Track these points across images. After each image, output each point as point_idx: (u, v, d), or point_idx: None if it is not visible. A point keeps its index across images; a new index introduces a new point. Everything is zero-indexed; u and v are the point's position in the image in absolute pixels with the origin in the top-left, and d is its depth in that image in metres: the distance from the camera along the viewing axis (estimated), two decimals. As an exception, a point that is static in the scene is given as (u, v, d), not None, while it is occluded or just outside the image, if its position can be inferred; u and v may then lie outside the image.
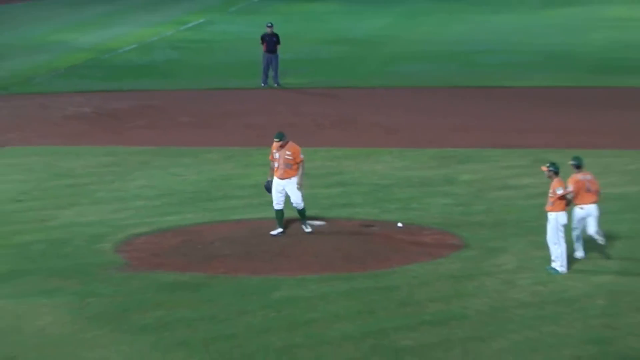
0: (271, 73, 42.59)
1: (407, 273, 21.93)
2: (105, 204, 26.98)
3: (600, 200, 22.18)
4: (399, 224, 25.48)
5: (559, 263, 22.20)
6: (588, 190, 21.80)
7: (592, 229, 21.98)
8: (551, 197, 22.18)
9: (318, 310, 19.42)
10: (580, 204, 21.97)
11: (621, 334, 18.57)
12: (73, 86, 44.25)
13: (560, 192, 22.10)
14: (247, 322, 18.32)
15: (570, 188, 22.05)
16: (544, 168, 22.47)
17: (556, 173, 22.10)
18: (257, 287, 20.55)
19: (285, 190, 23.77)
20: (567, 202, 22.37)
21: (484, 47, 54.77)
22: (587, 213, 21.86)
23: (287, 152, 23.88)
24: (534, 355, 17.43)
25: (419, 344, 17.58)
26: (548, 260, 21.95)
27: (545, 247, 22.04)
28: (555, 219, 22.01)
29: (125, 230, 24.30)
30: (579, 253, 22.57)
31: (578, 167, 22.23)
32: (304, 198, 24.15)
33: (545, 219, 22.22)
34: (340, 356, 16.88)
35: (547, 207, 22.38)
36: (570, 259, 21.98)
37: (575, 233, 22.42)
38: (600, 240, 22.87)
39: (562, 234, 22.16)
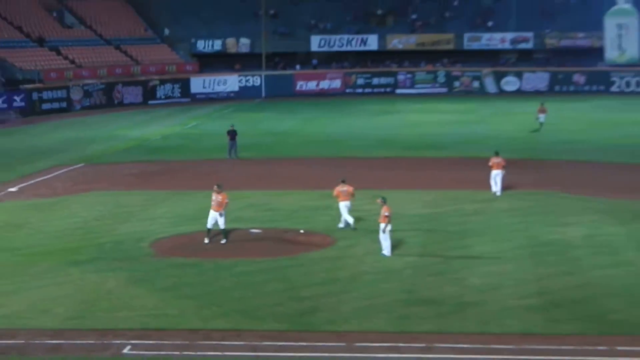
0: (232, 152, 60.08)
1: (306, 257, 35.04)
2: (144, 221, 41.22)
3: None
4: (301, 230, 39.05)
5: (386, 251, 34.86)
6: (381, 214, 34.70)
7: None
8: (384, 215, 34.64)
9: (256, 277, 31.98)
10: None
11: (419, 288, 30.70)
12: (128, 159, 62.34)
13: (386, 213, 34.50)
14: (220, 284, 31.20)
15: (387, 213, 34.50)
16: (378, 200, 35.45)
17: (384, 202, 35.02)
18: (226, 266, 33.62)
19: (217, 218, 36.60)
20: (388, 219, 34.43)
21: (347, 136, 71.74)
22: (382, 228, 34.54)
23: (219, 197, 36.57)
24: (373, 300, 29.28)
25: (315, 294, 29.74)
26: (380, 249, 34.71)
27: (379, 242, 34.82)
28: (383, 227, 34.49)
29: (155, 236, 38.43)
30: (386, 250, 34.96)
31: (384, 201, 35.11)
32: (227, 221, 37.00)
33: (378, 227, 34.76)
34: (265, 299, 29.35)
35: (379, 220, 34.70)
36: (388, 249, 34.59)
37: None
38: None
39: (386, 235, 34.59)
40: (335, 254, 35.55)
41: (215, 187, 37.55)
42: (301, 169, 55.67)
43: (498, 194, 46.26)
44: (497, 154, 47.02)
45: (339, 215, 38.63)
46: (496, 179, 46.44)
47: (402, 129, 75.21)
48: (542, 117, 73.71)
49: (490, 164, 46.47)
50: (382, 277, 32.21)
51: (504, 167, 46.33)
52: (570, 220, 40.17)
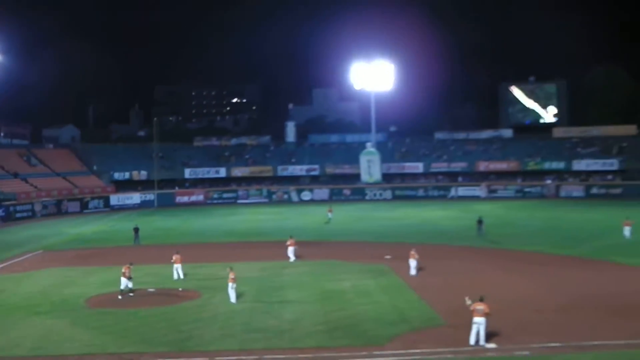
0: (137, 241, 57.77)
1: (184, 305, 34.44)
2: (82, 286, 38.64)
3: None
4: (180, 289, 37.52)
5: (232, 299, 33.67)
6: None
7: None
8: (231, 277, 33.83)
9: (151, 319, 31.11)
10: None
11: (254, 321, 30.06)
12: (71, 247, 58.48)
13: (232, 276, 33.73)
14: (129, 324, 30.26)
15: (233, 276, 33.92)
16: (228, 269, 34.60)
17: (231, 269, 34.43)
18: (133, 312, 32.67)
19: (127, 282, 36.02)
20: (234, 280, 33.97)
21: (208, 229, 69.34)
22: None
23: (125, 270, 36.17)
24: (225, 330, 28.91)
25: (189, 328, 29.27)
26: (229, 298, 33.77)
27: (228, 294, 34.26)
28: (231, 285, 33.74)
29: (88, 295, 36.72)
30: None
31: (231, 268, 37.50)
32: (133, 284, 36.46)
33: (228, 285, 34.01)
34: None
35: (229, 281, 33.90)
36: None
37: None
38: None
39: (233, 290, 33.84)
40: (201, 303, 35.25)
41: (128, 264, 37.74)
42: (182, 249, 54.76)
43: (291, 260, 46.81)
44: (291, 237, 48.37)
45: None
46: (290, 252, 47.16)
47: (241, 224, 74.65)
48: (330, 214, 74.79)
49: (287, 243, 47.49)
50: (230, 316, 32.30)
51: (296, 244, 47.33)
52: (343, 277, 41.01)
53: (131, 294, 36.69)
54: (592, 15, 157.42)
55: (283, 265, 45.63)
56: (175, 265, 41.36)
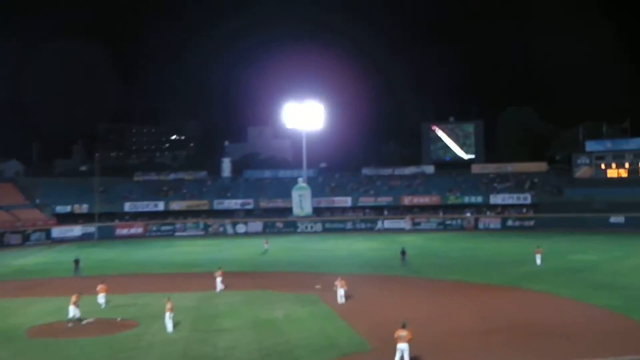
0: (78, 272, 55.94)
1: (123, 334, 33.75)
2: (23, 316, 37.42)
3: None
4: (118, 319, 36.73)
5: (169, 329, 33.15)
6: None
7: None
8: (169, 307, 33.50)
9: (93, 347, 30.82)
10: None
11: (190, 350, 29.91)
12: (14, 277, 57.45)
13: (169, 306, 34.47)
14: (70, 352, 30.08)
15: (170, 305, 34.89)
16: (165, 299, 34.84)
17: (169, 299, 34.78)
18: (73, 341, 32.11)
19: (74, 311, 35.45)
20: (171, 309, 34.72)
21: (146, 261, 68.28)
22: None
23: (74, 299, 35.71)
24: (162, 357, 28.94)
25: (127, 355, 29.46)
26: (166, 328, 33.40)
27: (164, 324, 33.54)
28: (168, 315, 33.51)
29: (29, 324, 35.58)
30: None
31: (169, 298, 36.32)
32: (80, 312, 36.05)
33: (164, 315, 33.95)
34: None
35: (166, 310, 33.77)
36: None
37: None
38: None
39: (170, 319, 33.48)
40: (139, 332, 34.90)
41: (77, 293, 37.39)
42: (121, 280, 53.86)
43: (217, 290, 46.44)
44: (219, 268, 48.39)
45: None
46: (218, 282, 47.03)
47: (178, 256, 73.59)
48: (266, 246, 74.17)
49: (216, 274, 47.41)
50: (167, 344, 32.08)
51: (222, 274, 47.08)
52: (276, 306, 40.95)
53: (83, 323, 36.32)
54: (506, 60, 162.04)
55: (218, 295, 45.33)
56: (100, 295, 40.83)
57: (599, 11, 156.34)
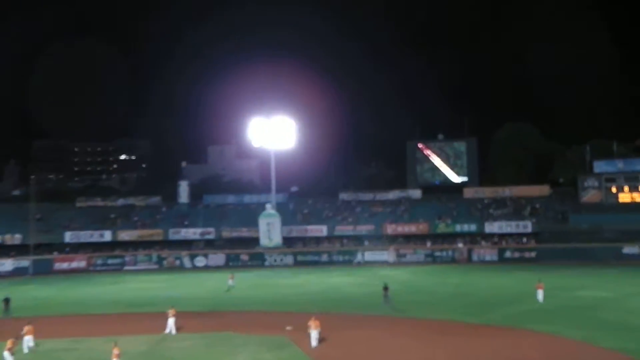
0: (8, 313, 56.08)
1: None
2: None
3: None
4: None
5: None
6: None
7: None
8: (115, 354, 36.59)
9: None
10: None
11: None
12: None
13: (117, 352, 34.84)
14: None
15: (117, 352, 36.45)
16: (113, 344, 36.56)
17: (116, 344, 37.16)
18: None
19: (10, 357, 35.68)
20: (118, 357, 37.55)
21: (89, 299, 67.91)
22: None
23: (10, 345, 36.07)
24: None
25: None
26: None
27: None
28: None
29: None
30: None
31: (116, 343, 37.43)
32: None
33: None
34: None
35: (113, 358, 37.51)
36: None
37: None
38: None
39: None
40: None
41: (13, 338, 38.20)
42: (60, 321, 54.04)
43: (166, 332, 46.74)
44: (172, 307, 48.41)
45: None
46: (170, 323, 47.23)
47: (127, 293, 73.65)
48: (231, 282, 74.49)
49: (168, 314, 47.57)
50: None
51: (175, 314, 47.24)
52: (239, 350, 41.16)
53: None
54: (503, 70, 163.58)
55: (172, 338, 45.53)
56: (26, 338, 40.61)
57: (607, 20, 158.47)
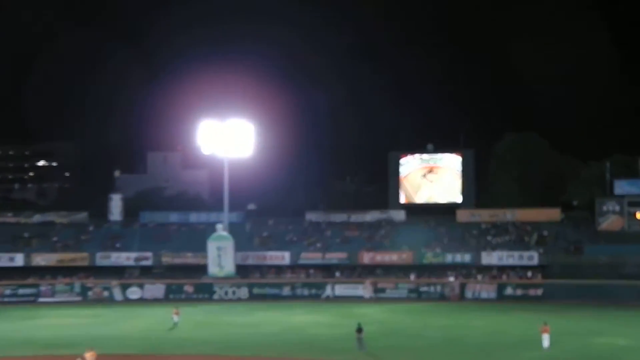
0: None
1: None
2: None
3: None
4: None
5: None
6: None
7: None
8: None
9: None
10: None
11: None
12: None
13: None
14: None
15: None
16: None
17: None
18: None
19: None
20: None
21: (7, 337, 67.06)
22: None
23: None
24: None
25: None
26: None
27: None
28: None
29: None
30: None
31: None
32: None
33: None
34: None
35: None
36: None
37: None
38: None
39: None
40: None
41: None
42: None
43: None
44: (90, 349, 47.42)
45: None
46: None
47: (42, 331, 72.44)
48: (176, 318, 74.51)
49: (85, 356, 46.78)
50: None
51: (97, 358, 46.81)
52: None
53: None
54: (505, 70, 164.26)
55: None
56: None
57: (629, 18, 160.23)
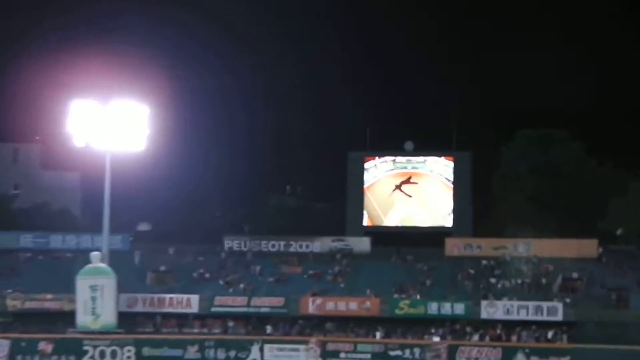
0: None
1: None
2: None
3: None
4: None
5: None
6: None
7: None
8: None
9: None
10: None
11: None
12: None
13: None
14: None
15: None
16: None
17: None
18: None
19: None
20: None
21: None
22: None
23: None
24: None
25: None
26: None
27: None
28: None
29: None
30: None
31: None
32: None
33: None
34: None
35: None
36: None
37: None
38: None
39: None
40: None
41: None
42: None
43: None
44: None
45: None
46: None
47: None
48: None
49: None
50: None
51: None
52: None
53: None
54: (515, 43, 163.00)
55: None
56: None
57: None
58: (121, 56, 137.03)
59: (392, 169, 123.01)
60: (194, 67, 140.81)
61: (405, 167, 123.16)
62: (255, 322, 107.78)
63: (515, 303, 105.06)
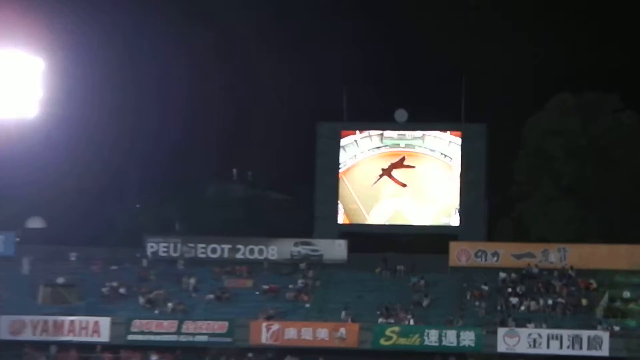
0: None
1: None
2: None
3: None
4: None
5: None
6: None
7: None
8: None
9: None
10: None
11: None
12: None
13: None
14: None
15: None
16: None
17: None
18: None
19: None
20: None
21: None
22: None
23: None
24: None
25: None
26: None
27: None
28: None
29: None
30: None
31: None
32: None
33: None
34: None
35: None
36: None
37: None
38: None
39: None
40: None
41: None
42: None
43: None
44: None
45: None
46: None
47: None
48: None
49: None
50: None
51: None
52: None
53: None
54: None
55: None
56: None
57: None
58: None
59: (379, 147, 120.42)
60: (107, 6, 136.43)
61: (397, 145, 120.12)
62: (188, 356, 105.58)
63: (545, 332, 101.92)
